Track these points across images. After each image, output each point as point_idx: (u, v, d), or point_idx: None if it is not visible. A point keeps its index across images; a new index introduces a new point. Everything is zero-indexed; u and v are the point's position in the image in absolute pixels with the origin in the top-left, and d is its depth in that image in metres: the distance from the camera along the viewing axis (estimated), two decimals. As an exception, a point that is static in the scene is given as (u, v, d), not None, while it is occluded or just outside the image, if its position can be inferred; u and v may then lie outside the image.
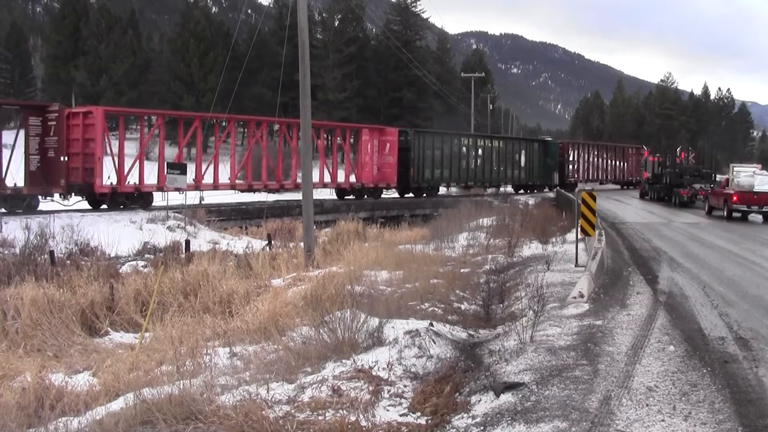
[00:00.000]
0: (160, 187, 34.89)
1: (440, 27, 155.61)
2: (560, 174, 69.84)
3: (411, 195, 52.37)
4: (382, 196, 50.59)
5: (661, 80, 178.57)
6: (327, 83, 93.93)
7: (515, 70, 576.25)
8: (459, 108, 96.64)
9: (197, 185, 37.07)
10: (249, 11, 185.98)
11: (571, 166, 72.66)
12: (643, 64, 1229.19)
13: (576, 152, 74.99)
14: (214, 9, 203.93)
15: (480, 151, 59.40)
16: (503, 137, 68.99)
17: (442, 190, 57.86)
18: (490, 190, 62.79)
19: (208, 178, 39.23)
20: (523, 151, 65.24)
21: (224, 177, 40.49)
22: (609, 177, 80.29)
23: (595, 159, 78.51)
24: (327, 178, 46.27)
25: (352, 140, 50.93)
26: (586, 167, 75.86)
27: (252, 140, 43.34)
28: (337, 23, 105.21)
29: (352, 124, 53.14)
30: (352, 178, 48.09)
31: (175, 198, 33.86)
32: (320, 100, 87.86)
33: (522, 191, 64.59)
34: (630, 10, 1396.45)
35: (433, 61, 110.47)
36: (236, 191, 41.98)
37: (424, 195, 52.75)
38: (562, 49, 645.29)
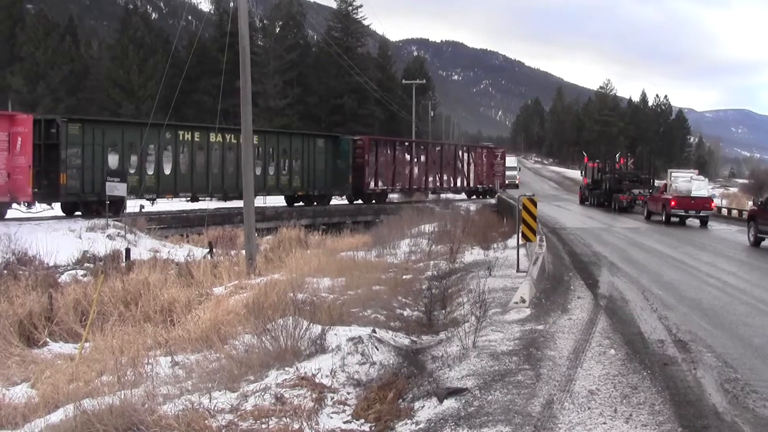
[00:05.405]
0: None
1: (381, 34, 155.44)
2: (356, 181, 52.12)
3: (80, 213, 34.24)
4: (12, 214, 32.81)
5: (600, 87, 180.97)
6: (268, 90, 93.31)
7: (456, 77, 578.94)
8: (400, 115, 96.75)
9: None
10: (189, 18, 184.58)
11: (377, 172, 54.29)
12: (583, 71, 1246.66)
13: (389, 152, 56.65)
14: (154, 15, 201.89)
15: (216, 150, 41.87)
16: (260, 130, 47.82)
17: (133, 205, 36.56)
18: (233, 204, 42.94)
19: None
20: (298, 151, 48.34)
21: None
22: (445, 185, 65.03)
23: (423, 162, 61.72)
24: None
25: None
26: (407, 172, 58.96)
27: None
28: (278, 30, 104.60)
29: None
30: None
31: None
32: (261, 107, 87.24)
33: (302, 203, 49.38)
34: (567, 16, 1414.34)
35: (375, 68, 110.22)
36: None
37: (98, 213, 32.92)
38: (502, 56, 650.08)
